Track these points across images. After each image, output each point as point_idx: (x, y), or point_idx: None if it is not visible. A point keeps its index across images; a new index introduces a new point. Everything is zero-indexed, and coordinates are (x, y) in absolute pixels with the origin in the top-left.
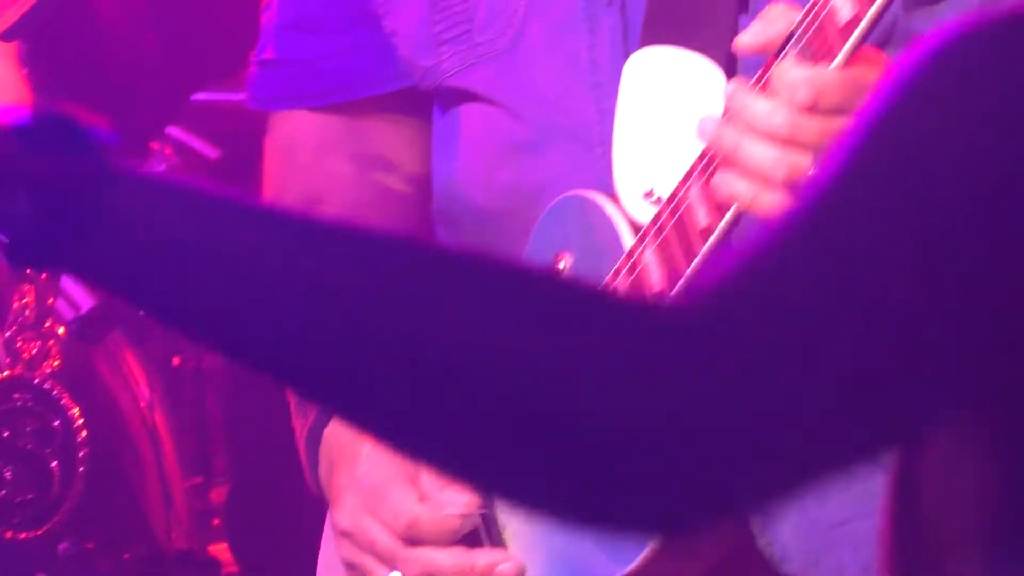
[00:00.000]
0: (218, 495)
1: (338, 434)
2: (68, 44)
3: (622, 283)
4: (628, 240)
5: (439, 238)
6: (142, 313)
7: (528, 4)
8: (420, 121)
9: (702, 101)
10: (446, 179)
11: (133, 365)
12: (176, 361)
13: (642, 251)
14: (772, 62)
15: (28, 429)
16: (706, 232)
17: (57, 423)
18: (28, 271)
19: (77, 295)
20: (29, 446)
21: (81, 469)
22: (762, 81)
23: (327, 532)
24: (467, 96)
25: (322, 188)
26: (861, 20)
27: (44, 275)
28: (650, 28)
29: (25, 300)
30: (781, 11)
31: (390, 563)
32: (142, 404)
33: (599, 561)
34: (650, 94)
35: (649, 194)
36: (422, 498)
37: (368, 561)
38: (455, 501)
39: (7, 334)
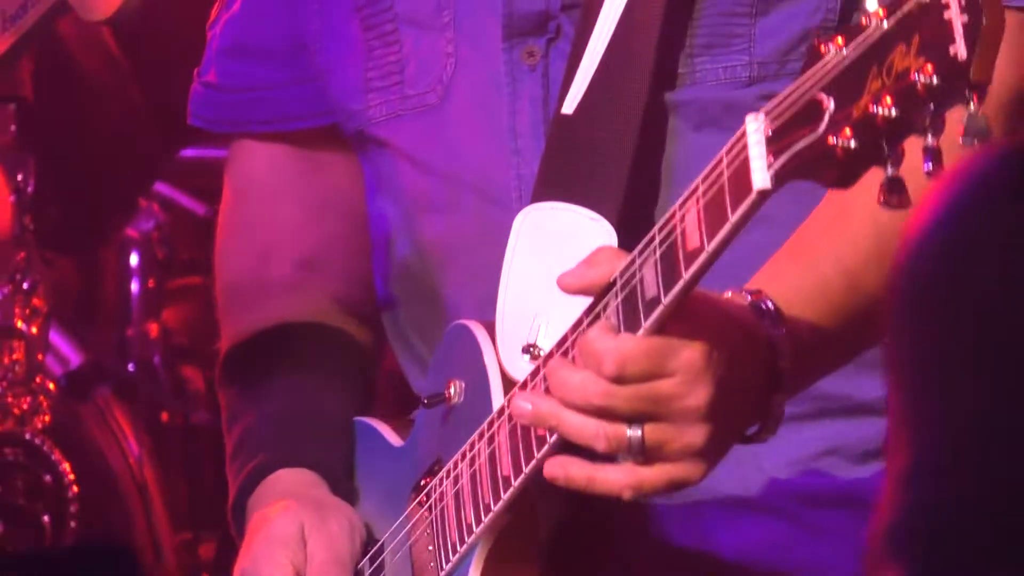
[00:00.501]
0: (207, 550)
1: (256, 506)
2: (54, 102)
3: (483, 450)
4: (497, 399)
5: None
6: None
7: (456, 64)
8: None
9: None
10: (376, 235)
11: (122, 421)
12: (165, 416)
13: (499, 426)
14: (596, 302)
15: (19, 484)
16: (541, 440)
17: (48, 478)
18: (17, 326)
19: (66, 350)
20: (20, 501)
21: (72, 524)
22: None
23: None
24: (390, 147)
25: (272, 240)
26: (660, 304)
27: (35, 330)
28: (543, 183)
29: (15, 356)
30: (606, 256)
31: None
32: (131, 460)
33: None
34: (539, 249)
35: (531, 346)
36: None
37: None
38: None
39: None
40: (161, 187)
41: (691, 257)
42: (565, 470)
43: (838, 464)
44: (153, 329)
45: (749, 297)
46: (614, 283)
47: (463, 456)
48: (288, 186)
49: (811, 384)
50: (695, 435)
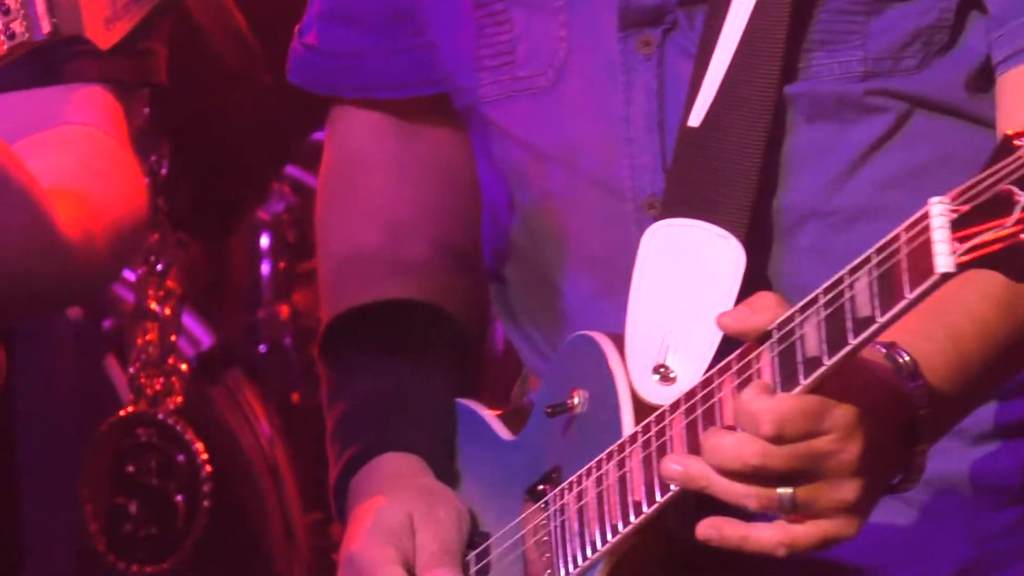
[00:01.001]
0: (338, 530)
1: (362, 490)
2: (187, 85)
3: (613, 472)
4: (628, 423)
5: (486, 256)
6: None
7: (568, 48)
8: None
9: (719, 274)
10: (487, 206)
11: (253, 402)
12: (295, 397)
13: (632, 451)
14: (751, 349)
15: (152, 464)
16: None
17: (181, 458)
18: (151, 308)
19: (197, 332)
20: (153, 481)
21: (205, 504)
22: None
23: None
24: (500, 127)
25: (400, 216)
26: (822, 365)
27: (168, 311)
28: (672, 199)
29: (148, 337)
30: (768, 303)
31: None
32: (262, 441)
33: None
34: (667, 266)
35: (660, 367)
36: None
37: None
38: None
39: (131, 371)
40: (292, 169)
41: (861, 325)
42: (719, 531)
43: (953, 446)
44: (284, 311)
45: (883, 350)
46: (770, 335)
47: (589, 473)
48: (404, 158)
49: (949, 430)
50: (847, 491)
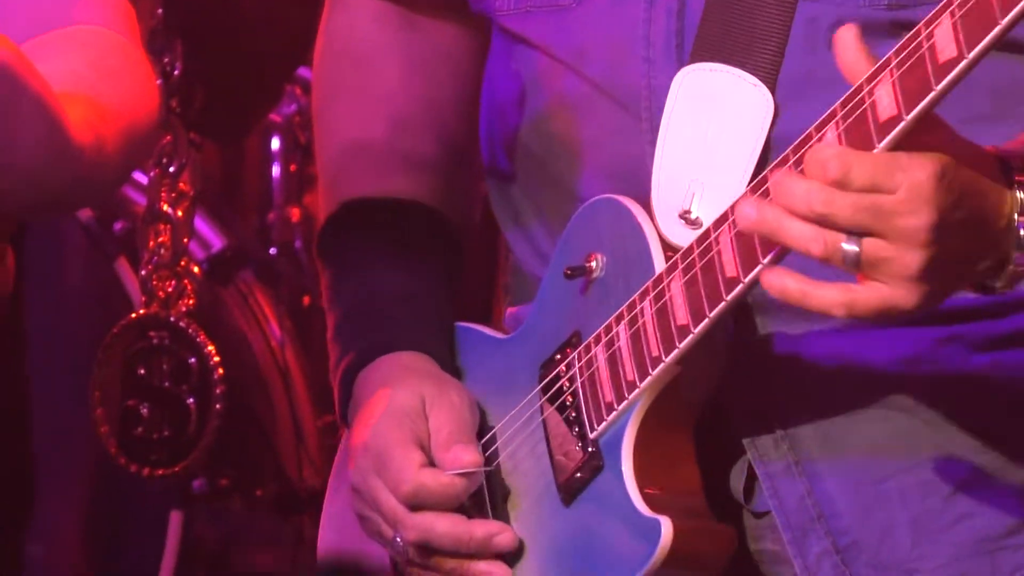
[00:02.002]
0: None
1: (369, 383)
2: None
3: (648, 308)
4: (659, 261)
5: (483, 152)
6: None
7: None
8: (479, 17)
9: (748, 123)
10: (493, 103)
11: (264, 305)
12: (307, 300)
13: (670, 281)
14: (812, 134)
15: (164, 367)
16: (733, 282)
17: (193, 361)
18: (163, 210)
19: (208, 235)
20: (166, 384)
21: (217, 407)
22: (799, 154)
23: (338, 464)
24: (522, 39)
25: (407, 111)
26: (902, 120)
27: (180, 213)
28: (704, 42)
29: (160, 239)
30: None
31: (392, 525)
32: (273, 343)
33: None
34: (696, 112)
35: (686, 213)
36: (424, 464)
37: (375, 518)
38: (458, 462)
39: (143, 273)
40: (304, 71)
41: (946, 67)
42: (782, 281)
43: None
44: (295, 214)
45: (995, 151)
46: (834, 113)
47: (619, 319)
48: (409, 49)
49: None
50: (913, 258)
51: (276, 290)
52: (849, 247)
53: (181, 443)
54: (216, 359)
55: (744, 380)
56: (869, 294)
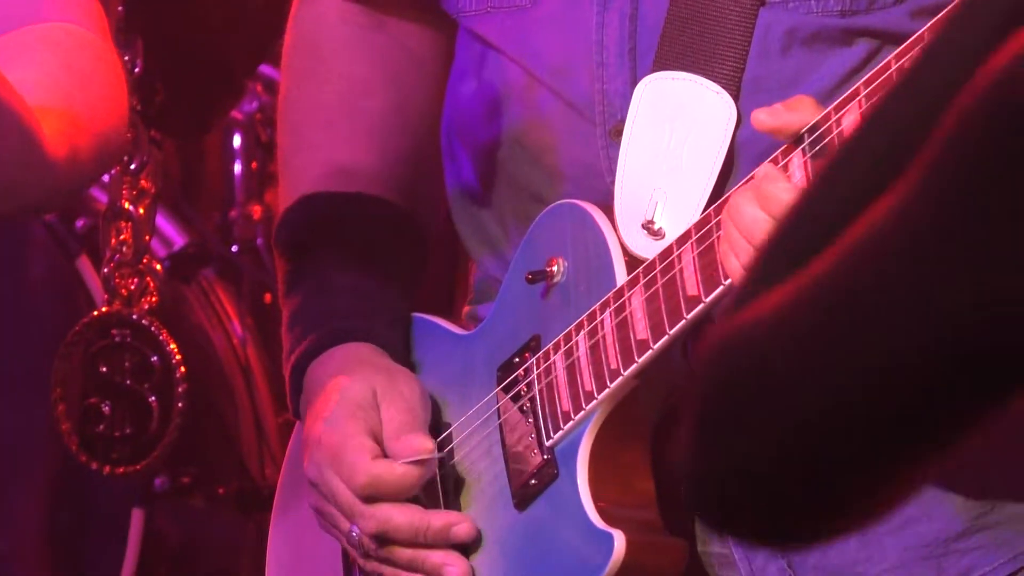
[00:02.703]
0: None
1: (321, 375)
2: None
3: (609, 320)
4: (621, 274)
5: (444, 153)
6: (234, 251)
7: None
8: (445, 19)
9: (711, 131)
10: (455, 104)
11: (226, 302)
12: (268, 298)
13: (631, 295)
14: (777, 159)
15: (127, 365)
16: (694, 300)
17: (155, 359)
18: (125, 207)
19: (169, 232)
20: (128, 382)
21: (179, 405)
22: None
23: (291, 455)
24: (481, 38)
25: (348, 96)
26: None
27: (142, 211)
28: (665, 51)
29: (122, 237)
30: (807, 105)
31: (350, 517)
32: (235, 341)
33: (564, 555)
34: (659, 121)
35: (648, 223)
36: (378, 455)
37: (333, 512)
38: (410, 448)
39: (105, 271)
40: (266, 69)
41: None
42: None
43: None
44: (256, 211)
45: None
46: (802, 138)
47: (579, 328)
48: (375, 48)
49: None
50: None
51: (238, 287)
52: None
53: (143, 441)
54: (178, 357)
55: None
56: None
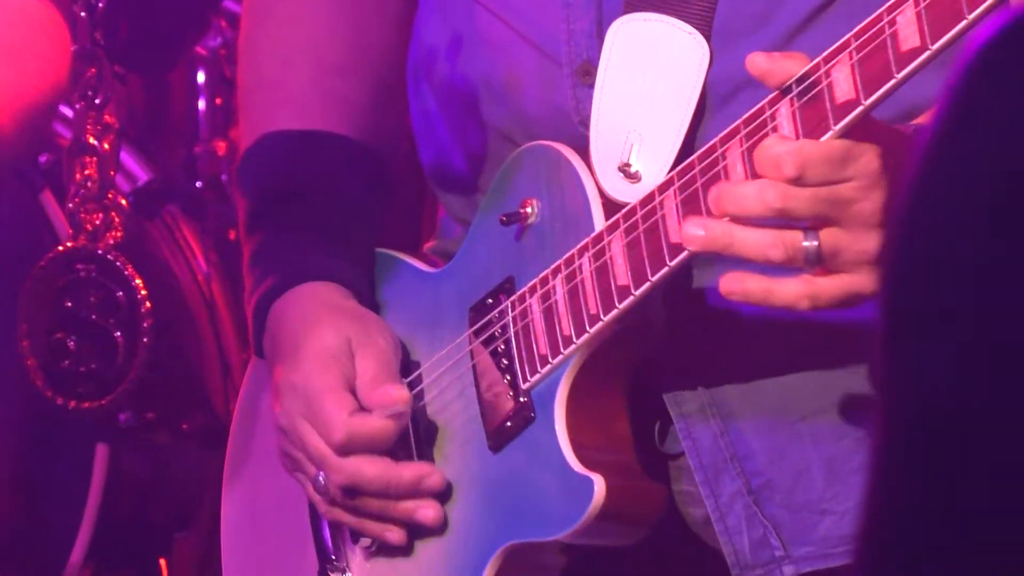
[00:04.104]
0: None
1: (287, 319)
2: None
3: (588, 264)
4: (599, 219)
5: (411, 92)
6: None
7: None
8: None
9: (684, 71)
10: (421, 45)
11: (190, 238)
12: (232, 234)
13: (611, 240)
14: (764, 109)
15: (92, 300)
16: (677, 248)
17: (120, 294)
18: (89, 142)
19: (134, 168)
20: (93, 316)
21: (145, 340)
22: (752, 130)
23: (248, 391)
24: None
25: (299, 44)
26: (859, 105)
27: (107, 146)
28: None
29: (87, 172)
30: (802, 58)
31: (319, 466)
32: (199, 277)
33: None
34: (632, 63)
35: (625, 165)
36: (355, 410)
37: (301, 458)
38: (387, 400)
39: (70, 206)
40: (229, 3)
41: (908, 56)
42: (743, 284)
43: None
44: (221, 147)
45: (911, 128)
46: (790, 88)
47: (556, 272)
48: None
49: None
50: (869, 241)
51: (202, 223)
52: (809, 243)
53: (108, 376)
54: (144, 292)
55: (666, 329)
56: (831, 284)
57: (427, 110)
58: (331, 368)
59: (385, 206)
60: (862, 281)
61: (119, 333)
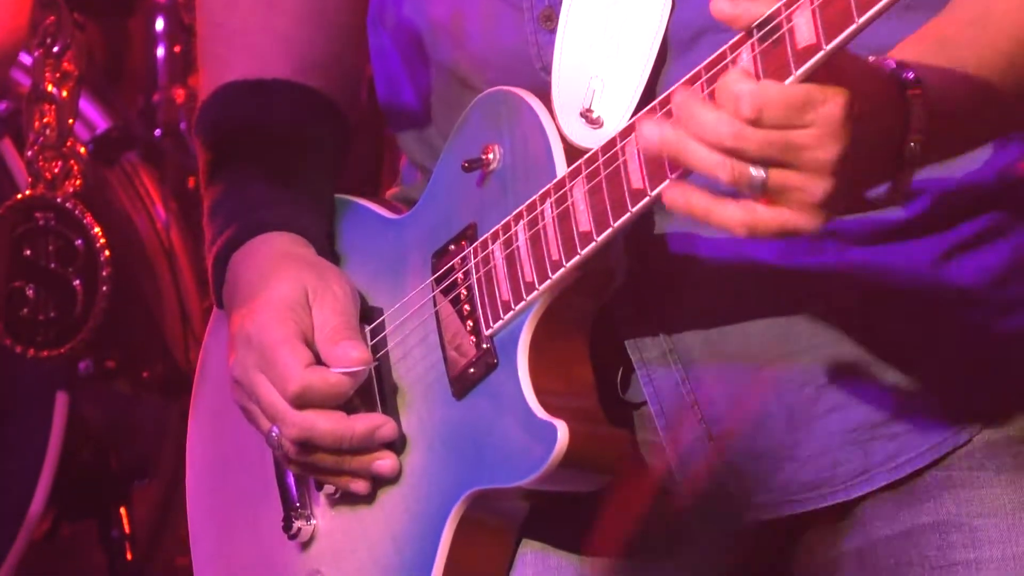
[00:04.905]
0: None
1: (244, 269)
2: None
3: (550, 210)
4: (561, 164)
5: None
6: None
7: None
8: None
9: (646, 16)
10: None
11: (149, 186)
12: (191, 182)
13: (573, 186)
14: (726, 54)
15: (51, 248)
16: (639, 193)
17: (79, 242)
18: (48, 90)
19: (93, 116)
20: (52, 265)
21: (104, 288)
22: (711, 76)
23: (209, 343)
24: None
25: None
26: (820, 50)
27: (65, 94)
28: None
29: (46, 120)
30: (767, 1)
31: (272, 419)
32: (158, 225)
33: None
34: (594, 7)
35: (587, 111)
36: (311, 362)
37: (254, 410)
38: (346, 359)
39: (28, 154)
40: None
41: (867, 3)
42: (686, 197)
43: None
44: (180, 95)
45: (893, 63)
46: (751, 32)
47: (518, 219)
48: None
49: (937, 159)
50: (818, 187)
51: (161, 171)
52: (756, 173)
53: (67, 325)
54: (103, 241)
55: (628, 276)
56: (772, 217)
57: (383, 48)
58: (287, 319)
59: (344, 155)
60: (804, 220)
61: (78, 281)
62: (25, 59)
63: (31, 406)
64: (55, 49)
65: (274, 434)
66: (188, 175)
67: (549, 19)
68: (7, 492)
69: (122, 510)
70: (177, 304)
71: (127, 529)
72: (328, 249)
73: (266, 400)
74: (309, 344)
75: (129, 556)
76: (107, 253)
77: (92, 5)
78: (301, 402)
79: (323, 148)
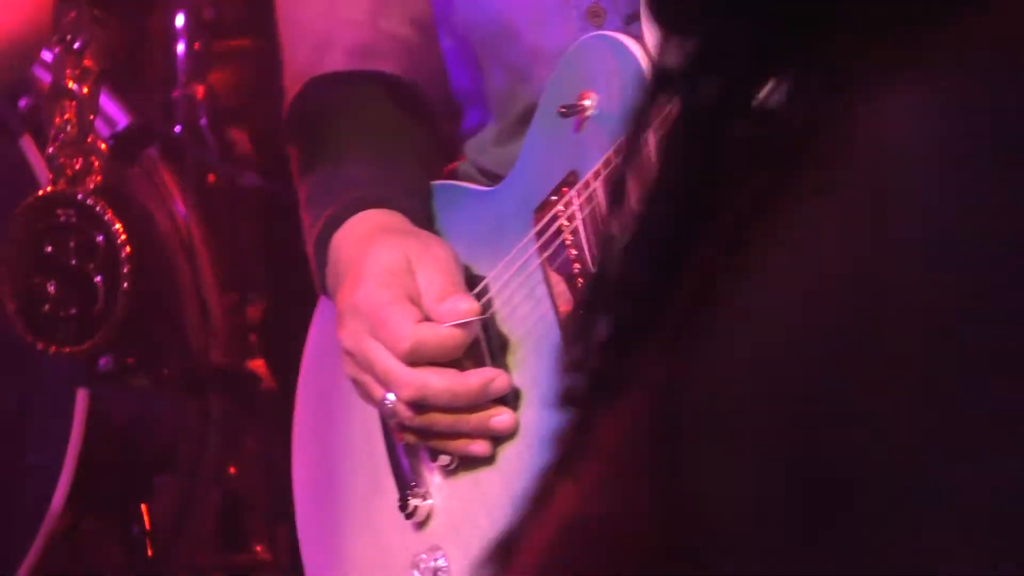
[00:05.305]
0: (254, 312)
1: (346, 246)
2: None
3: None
4: None
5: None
6: (177, 131)
7: None
8: None
9: None
10: None
11: (169, 182)
12: (211, 179)
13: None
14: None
15: (72, 244)
16: None
17: (100, 238)
18: (68, 86)
19: (113, 112)
20: (73, 261)
21: (124, 285)
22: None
23: (316, 333)
24: None
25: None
26: None
27: (86, 90)
28: None
29: (66, 116)
30: None
31: (386, 384)
32: (179, 221)
33: None
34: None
35: None
36: (421, 319)
37: (368, 380)
38: (454, 312)
39: (49, 151)
40: None
41: None
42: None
43: None
44: (199, 91)
45: None
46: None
47: (618, 152)
48: None
49: None
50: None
51: (181, 168)
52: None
53: (88, 321)
54: (123, 237)
55: None
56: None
57: (443, 50)
58: (392, 284)
59: (432, 138)
60: None
61: (99, 278)
62: (46, 55)
63: (52, 403)
64: (75, 45)
65: (388, 402)
66: (208, 171)
67: (596, 15)
68: (28, 488)
69: (143, 507)
70: (197, 300)
71: (147, 526)
72: (426, 225)
73: (379, 364)
74: (417, 306)
75: (149, 552)
76: (128, 249)
77: (112, 1)
78: (414, 358)
79: (413, 135)
